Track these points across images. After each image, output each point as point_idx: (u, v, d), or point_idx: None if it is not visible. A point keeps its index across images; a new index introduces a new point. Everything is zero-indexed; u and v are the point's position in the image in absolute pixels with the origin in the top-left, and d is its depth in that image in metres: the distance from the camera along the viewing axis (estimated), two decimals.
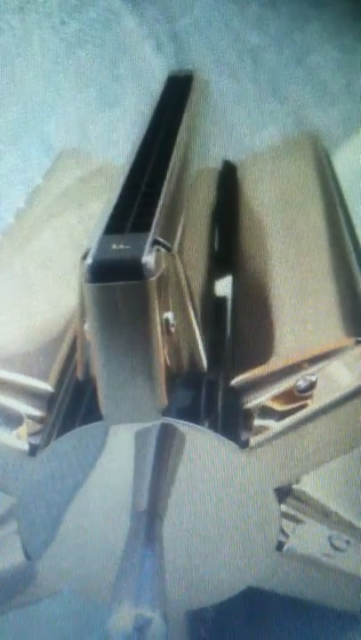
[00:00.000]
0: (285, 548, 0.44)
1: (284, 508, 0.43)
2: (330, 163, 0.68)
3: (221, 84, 1.09)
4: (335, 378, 0.40)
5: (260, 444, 0.41)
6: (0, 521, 0.46)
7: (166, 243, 0.38)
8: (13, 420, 0.42)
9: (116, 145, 0.98)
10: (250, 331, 0.47)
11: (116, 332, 0.37)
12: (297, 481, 0.44)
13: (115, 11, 1.02)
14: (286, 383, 0.41)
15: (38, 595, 0.47)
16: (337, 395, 0.40)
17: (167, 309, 0.38)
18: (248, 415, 0.42)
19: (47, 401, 0.43)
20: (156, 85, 0.67)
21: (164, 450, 0.41)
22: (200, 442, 0.41)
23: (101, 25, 1.01)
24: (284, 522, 0.43)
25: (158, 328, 0.37)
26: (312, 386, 0.40)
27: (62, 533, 0.43)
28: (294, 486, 0.44)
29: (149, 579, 0.37)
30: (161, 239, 0.38)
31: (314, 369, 0.41)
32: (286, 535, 0.44)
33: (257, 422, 0.41)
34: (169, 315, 0.38)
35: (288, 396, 0.41)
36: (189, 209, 0.47)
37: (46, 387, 0.43)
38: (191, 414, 0.42)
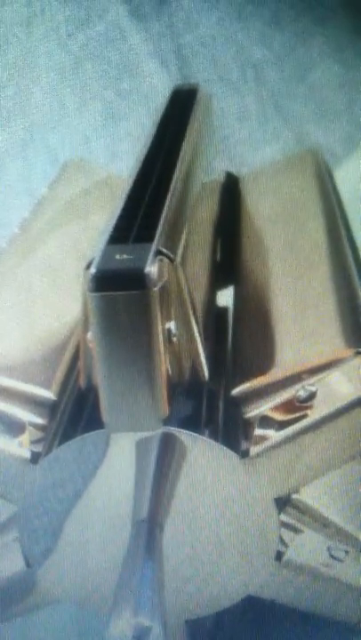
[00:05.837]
0: (284, 557, 0.44)
1: (283, 517, 0.43)
2: (331, 178, 0.68)
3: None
4: (335, 388, 0.41)
5: (260, 454, 0.41)
6: (1, 528, 0.46)
7: (169, 253, 0.39)
8: (15, 427, 0.43)
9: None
10: (251, 341, 0.47)
11: (119, 341, 0.37)
12: (296, 491, 0.44)
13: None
14: (287, 393, 0.41)
15: (38, 603, 0.47)
16: (337, 405, 0.40)
17: (169, 319, 0.39)
18: (249, 425, 0.42)
19: (49, 409, 0.43)
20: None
21: (165, 459, 0.41)
22: (201, 451, 0.41)
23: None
24: (284, 531, 0.44)
25: (160, 338, 0.37)
26: (312, 396, 0.41)
27: (63, 541, 0.43)
28: (294, 496, 0.44)
29: (149, 588, 0.37)
30: (164, 249, 0.39)
31: (314, 379, 0.41)
32: (285, 545, 0.44)
33: (257, 432, 0.41)
34: (171, 324, 0.39)
35: (288, 406, 0.41)
36: (192, 220, 0.48)
37: (49, 395, 0.43)
38: (192, 424, 0.42)
